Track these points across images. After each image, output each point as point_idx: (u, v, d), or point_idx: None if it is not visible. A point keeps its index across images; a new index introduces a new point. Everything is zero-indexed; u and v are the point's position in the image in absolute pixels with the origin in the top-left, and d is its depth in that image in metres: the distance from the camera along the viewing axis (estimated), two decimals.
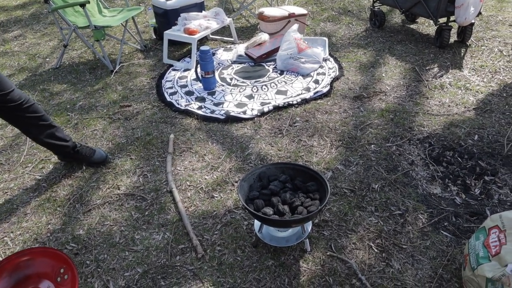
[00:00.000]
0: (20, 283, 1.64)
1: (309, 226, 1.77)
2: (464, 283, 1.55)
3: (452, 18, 3.32)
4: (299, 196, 1.69)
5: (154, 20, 3.96)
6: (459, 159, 2.27)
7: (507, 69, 3.10)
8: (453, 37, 3.60)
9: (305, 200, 1.67)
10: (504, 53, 3.32)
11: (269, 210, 1.61)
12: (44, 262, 1.67)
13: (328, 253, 1.75)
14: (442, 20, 3.38)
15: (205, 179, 2.20)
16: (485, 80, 2.99)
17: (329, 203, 2.00)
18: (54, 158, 2.41)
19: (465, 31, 3.45)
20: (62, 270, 1.65)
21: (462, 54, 3.36)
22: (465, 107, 2.70)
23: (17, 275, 1.65)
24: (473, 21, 3.31)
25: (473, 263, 1.48)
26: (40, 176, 2.30)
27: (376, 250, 1.77)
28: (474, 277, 1.45)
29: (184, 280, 1.67)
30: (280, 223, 1.61)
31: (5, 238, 1.92)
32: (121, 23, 3.63)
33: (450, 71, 3.13)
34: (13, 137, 2.68)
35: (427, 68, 3.20)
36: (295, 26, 3.33)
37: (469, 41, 3.52)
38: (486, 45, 3.47)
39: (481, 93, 2.84)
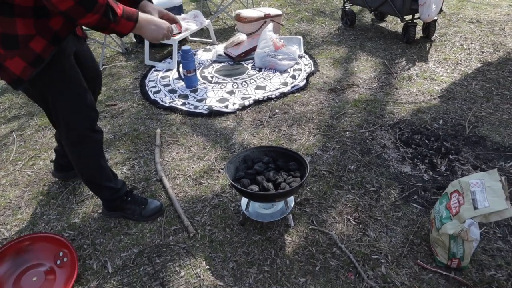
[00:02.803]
0: (21, 267, 1.73)
1: (291, 202, 1.92)
2: (432, 244, 1.74)
3: (416, 15, 3.57)
4: (281, 174, 1.84)
5: None
6: (426, 141, 2.48)
7: (467, 61, 3.36)
8: (419, 34, 3.86)
9: (287, 177, 1.82)
10: (465, 47, 3.58)
11: (255, 187, 1.76)
12: (44, 246, 1.77)
13: (310, 227, 1.91)
14: (408, 17, 3.63)
15: (193, 167, 2.33)
16: (448, 71, 3.23)
17: (309, 183, 2.16)
18: (44, 155, 2.48)
19: (429, 27, 3.71)
20: (61, 254, 1.76)
21: (427, 49, 3.62)
22: (430, 95, 2.93)
23: (18, 259, 1.74)
24: (435, 18, 3.57)
25: (438, 224, 1.66)
26: (31, 172, 2.38)
27: (353, 222, 1.94)
28: (439, 236, 1.64)
29: (178, 257, 1.79)
30: (266, 197, 1.75)
31: (1, 229, 1.99)
32: None
33: (417, 64, 3.37)
34: (0, 138, 2.74)
35: (395, 62, 3.43)
36: (271, 26, 3.51)
37: (433, 36, 3.78)
38: (448, 40, 3.74)
39: (445, 82, 3.07)
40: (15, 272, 1.71)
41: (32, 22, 1.35)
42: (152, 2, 1.69)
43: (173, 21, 1.69)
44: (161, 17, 1.62)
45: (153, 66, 3.60)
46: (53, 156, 2.23)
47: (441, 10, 3.67)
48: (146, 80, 3.35)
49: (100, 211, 2.05)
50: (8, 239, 1.93)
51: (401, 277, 1.66)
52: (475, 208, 1.54)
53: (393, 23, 4.23)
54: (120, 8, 1.35)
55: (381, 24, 4.25)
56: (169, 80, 3.32)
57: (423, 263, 1.71)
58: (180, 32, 1.76)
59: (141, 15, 1.44)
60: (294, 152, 1.92)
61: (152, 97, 3.08)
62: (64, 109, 1.60)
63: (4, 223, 2.03)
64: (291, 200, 1.93)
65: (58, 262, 1.75)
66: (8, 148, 2.63)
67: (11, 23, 1.32)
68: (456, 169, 2.25)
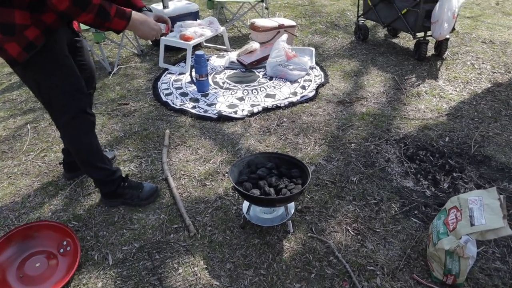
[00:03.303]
0: (26, 252, 1.79)
1: (292, 209, 1.95)
2: (428, 259, 1.75)
3: (428, 33, 3.60)
4: (283, 181, 1.88)
5: None
6: (431, 157, 2.50)
7: (478, 80, 3.37)
8: (431, 51, 3.89)
9: (288, 183, 1.85)
10: (476, 66, 3.60)
11: (256, 191, 1.80)
12: (49, 234, 1.83)
13: (309, 234, 1.94)
14: (420, 34, 3.66)
15: (198, 169, 2.38)
16: (457, 89, 3.25)
17: (311, 192, 2.19)
18: (56, 148, 2.56)
19: (441, 45, 3.74)
20: (65, 243, 1.81)
21: (438, 66, 3.64)
22: (438, 113, 2.95)
23: (24, 245, 1.80)
24: (447, 36, 3.60)
25: (435, 239, 1.68)
26: (42, 163, 2.45)
27: (352, 233, 1.96)
28: (435, 252, 1.65)
29: (177, 254, 1.83)
30: (266, 201, 1.79)
31: (10, 215, 2.06)
32: None
33: (427, 81, 3.39)
34: (15, 129, 2.83)
35: (405, 78, 3.46)
36: (284, 36, 3.57)
37: (445, 54, 3.80)
38: (460, 58, 3.76)
39: (454, 101, 3.09)
40: (20, 257, 1.77)
41: (29, 14, 1.53)
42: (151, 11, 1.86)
43: (164, 22, 1.88)
44: (156, 20, 1.80)
45: (167, 69, 3.68)
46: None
47: (453, 29, 3.69)
48: (159, 82, 3.43)
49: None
50: (16, 225, 1.99)
51: None
52: (472, 224, 1.55)
53: (406, 40, 4.27)
54: (113, 8, 1.53)
55: (393, 40, 4.29)
56: (181, 84, 3.39)
57: (419, 277, 1.72)
58: (167, 33, 1.94)
59: (134, 14, 1.62)
60: (297, 159, 1.96)
61: (164, 98, 3.15)
62: (57, 92, 1.73)
63: (13, 209, 2.10)
64: (291, 206, 1.96)
65: (62, 250, 1.80)
66: (22, 139, 2.71)
67: (10, 13, 1.50)
68: (459, 187, 2.26)
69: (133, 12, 1.63)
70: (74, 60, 1.79)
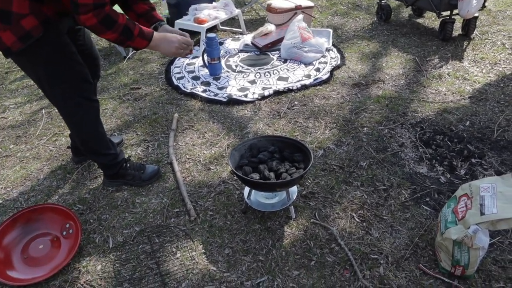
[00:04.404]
0: (30, 234, 1.83)
1: (294, 194, 1.89)
2: (436, 249, 1.65)
3: (455, 11, 3.38)
4: (284, 165, 1.81)
5: (167, 11, 4.14)
6: (448, 142, 2.35)
7: (508, 61, 3.14)
8: (458, 31, 3.66)
9: (289, 168, 1.79)
10: (507, 46, 3.36)
11: (255, 176, 1.75)
12: (53, 217, 1.86)
13: (311, 221, 1.87)
14: (446, 13, 3.44)
15: (204, 153, 2.35)
16: (484, 71, 3.04)
17: (317, 177, 2.12)
18: (66, 132, 2.60)
19: (469, 25, 3.50)
20: (67, 225, 1.84)
21: (464, 47, 3.42)
22: (460, 95, 2.77)
23: (28, 227, 1.84)
24: (476, 14, 3.36)
25: (442, 228, 1.58)
26: (53, 147, 2.50)
27: (357, 220, 1.88)
28: (443, 241, 1.55)
29: (177, 238, 1.82)
30: (265, 186, 1.74)
31: (19, 198, 2.11)
32: None
33: (450, 62, 3.20)
34: (31, 114, 2.89)
35: (427, 59, 3.27)
36: (300, 16, 3.45)
37: (473, 34, 3.56)
38: (489, 38, 3.52)
39: (479, 83, 2.90)
40: (25, 238, 1.81)
41: (28, 3, 1.50)
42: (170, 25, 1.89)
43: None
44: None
45: None
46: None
47: (484, 6, 3.45)
48: (172, 66, 3.41)
49: (110, 188, 2.12)
50: (23, 207, 2.04)
51: (399, 280, 1.60)
52: (482, 213, 1.44)
53: (432, 19, 4.03)
54: (137, 29, 1.59)
55: (418, 20, 4.06)
56: (194, 67, 3.35)
57: (426, 268, 1.63)
58: (190, 53, 1.92)
59: (156, 35, 1.67)
60: (300, 143, 1.88)
61: (175, 82, 3.13)
62: (60, 79, 1.71)
63: (22, 192, 2.15)
64: (293, 191, 1.90)
65: (64, 233, 1.83)
66: (36, 123, 2.77)
67: (8, 1, 1.47)
68: (477, 173, 2.13)
69: (155, 32, 1.67)
70: (75, 46, 1.75)
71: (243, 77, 3.13)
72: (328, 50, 3.46)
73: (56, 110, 2.87)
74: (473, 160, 2.21)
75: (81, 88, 1.78)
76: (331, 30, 3.67)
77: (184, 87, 3.04)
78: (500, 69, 3.05)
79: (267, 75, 3.14)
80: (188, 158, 2.31)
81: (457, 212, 1.55)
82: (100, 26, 1.50)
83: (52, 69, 1.67)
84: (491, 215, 1.42)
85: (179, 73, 3.28)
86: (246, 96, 2.86)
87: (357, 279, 1.60)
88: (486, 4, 3.58)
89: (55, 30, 1.61)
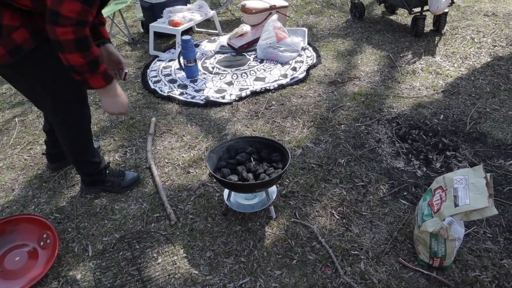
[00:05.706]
0: (5, 246, 1.78)
1: (274, 194, 1.90)
2: (414, 242, 1.69)
3: (426, 7, 3.46)
4: (263, 165, 1.82)
5: (141, 14, 4.09)
6: (423, 136, 2.41)
7: (477, 55, 3.24)
8: (430, 27, 3.74)
9: (268, 168, 1.80)
10: (476, 41, 3.45)
11: (234, 177, 1.75)
12: (28, 227, 1.82)
13: (292, 220, 1.88)
14: (417, 9, 3.51)
15: (183, 157, 2.34)
16: (455, 65, 3.12)
17: (296, 176, 2.13)
18: (41, 141, 2.53)
19: (439, 20, 3.59)
20: (45, 235, 1.79)
21: (436, 42, 3.50)
22: (434, 90, 2.84)
23: (2, 239, 1.79)
24: (446, 10, 3.45)
25: (419, 221, 1.61)
26: (28, 156, 2.43)
27: (337, 217, 1.90)
28: (420, 234, 1.59)
29: (157, 243, 1.80)
30: (243, 187, 1.74)
31: None
32: (109, 16, 3.76)
33: (423, 57, 3.27)
34: (3, 122, 2.81)
35: (401, 55, 3.33)
36: (275, 16, 3.46)
37: (444, 29, 3.65)
38: (459, 33, 3.61)
39: (451, 77, 2.97)
40: (0, 251, 1.76)
41: (19, 15, 1.46)
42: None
43: (119, 63, 1.87)
44: (109, 56, 1.82)
45: (157, 56, 3.62)
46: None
47: (453, 2, 3.55)
48: (148, 70, 3.37)
49: (88, 195, 2.08)
50: None
51: (379, 274, 1.62)
52: (456, 205, 1.48)
53: (404, 16, 4.11)
54: (103, 66, 1.52)
55: (391, 17, 4.14)
56: (171, 70, 3.33)
57: (405, 261, 1.67)
58: (124, 79, 1.93)
59: (117, 86, 1.63)
60: (278, 143, 1.89)
61: (152, 86, 3.10)
62: (58, 89, 1.69)
63: None
64: (273, 191, 1.91)
65: (42, 243, 1.79)
66: (9, 132, 2.70)
67: None
68: (452, 166, 2.18)
69: (117, 84, 1.63)
70: None
71: (220, 78, 3.12)
72: (303, 49, 3.48)
73: (30, 118, 2.82)
74: (447, 153, 2.27)
75: (79, 95, 1.78)
76: (306, 29, 3.70)
77: (161, 91, 3.01)
78: (471, 63, 3.14)
79: (244, 76, 3.14)
80: (167, 162, 2.30)
81: (432, 205, 1.59)
82: (73, 44, 1.38)
83: (52, 75, 1.65)
84: (464, 206, 1.46)
85: (155, 76, 3.25)
86: (223, 97, 2.85)
87: (338, 276, 1.62)
88: (455, 0, 3.67)
89: (47, 41, 1.54)
